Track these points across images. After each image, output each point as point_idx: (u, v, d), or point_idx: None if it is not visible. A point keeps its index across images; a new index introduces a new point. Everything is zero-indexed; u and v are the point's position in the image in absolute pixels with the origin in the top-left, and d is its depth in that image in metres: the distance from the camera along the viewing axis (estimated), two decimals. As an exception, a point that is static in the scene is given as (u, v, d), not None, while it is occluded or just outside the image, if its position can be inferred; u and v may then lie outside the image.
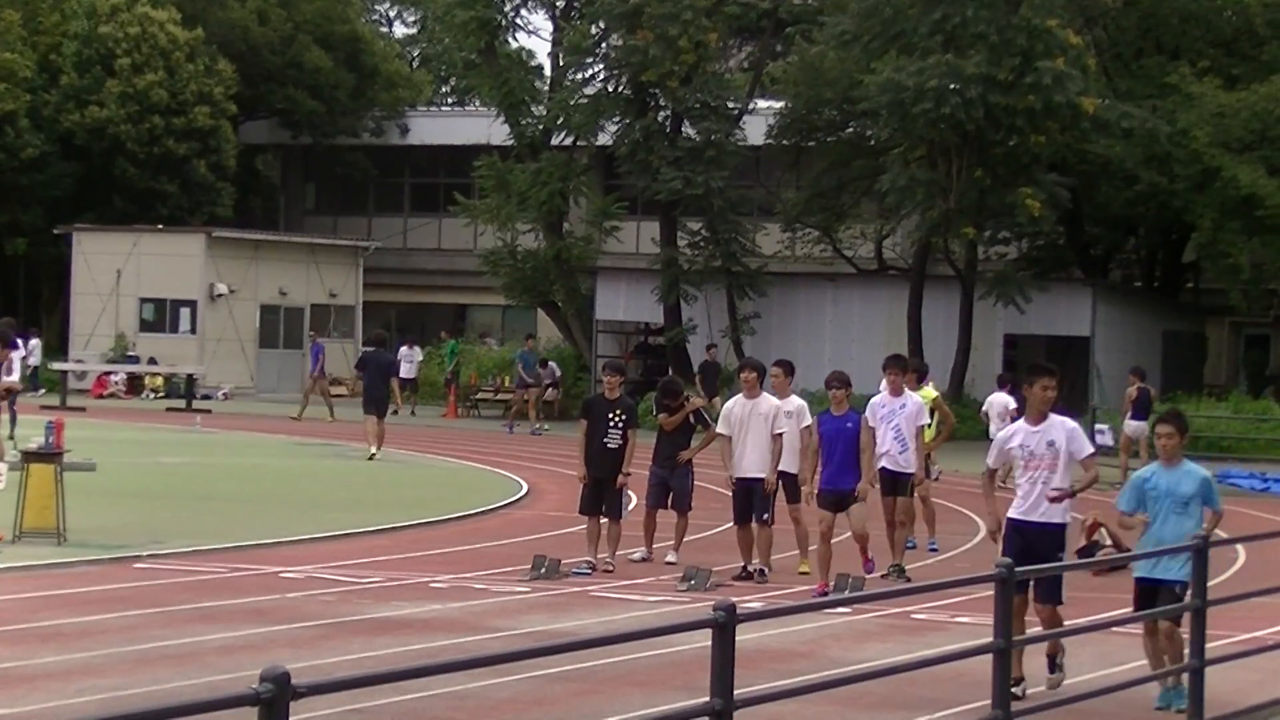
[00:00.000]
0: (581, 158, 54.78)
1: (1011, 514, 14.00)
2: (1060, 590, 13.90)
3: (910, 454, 20.02)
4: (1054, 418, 14.00)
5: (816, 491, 19.40)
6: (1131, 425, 34.80)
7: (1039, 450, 13.84)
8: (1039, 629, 13.58)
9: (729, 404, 20.40)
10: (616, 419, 20.42)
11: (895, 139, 48.43)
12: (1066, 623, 13.90)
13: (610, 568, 20.20)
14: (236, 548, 20.97)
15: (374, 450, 34.62)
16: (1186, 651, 12.70)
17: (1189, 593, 13.07)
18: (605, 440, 20.37)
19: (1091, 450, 14.20)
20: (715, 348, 49.78)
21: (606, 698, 13.16)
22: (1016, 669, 13.21)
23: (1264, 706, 13.17)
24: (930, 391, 23.90)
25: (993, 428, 34.18)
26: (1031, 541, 13.75)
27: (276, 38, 69.12)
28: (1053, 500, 13.81)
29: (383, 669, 9.11)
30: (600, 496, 20.43)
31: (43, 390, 53.61)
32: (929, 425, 22.09)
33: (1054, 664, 14.01)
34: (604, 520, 20.43)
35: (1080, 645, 14.92)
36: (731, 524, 20.53)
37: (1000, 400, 33.40)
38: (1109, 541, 22.38)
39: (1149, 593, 13.55)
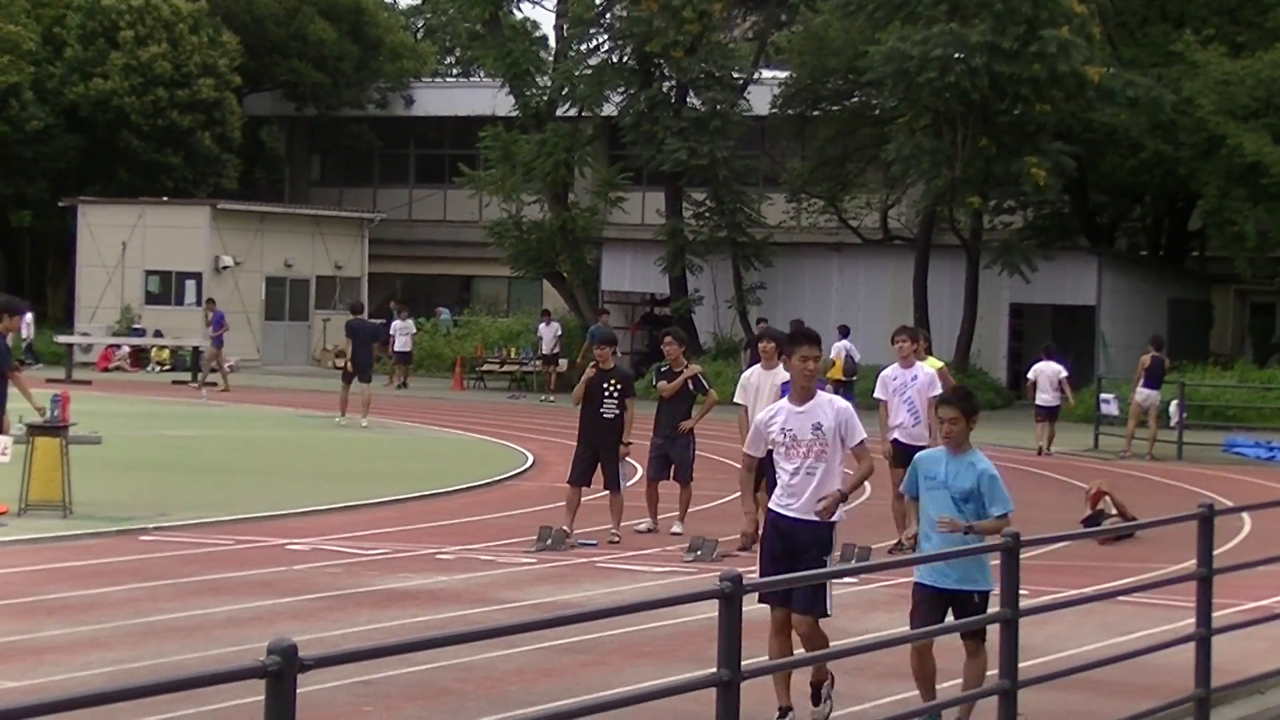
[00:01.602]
0: (586, 128, 54.71)
1: (772, 506, 11.79)
2: (825, 600, 11.48)
3: (923, 427, 19.87)
4: (822, 396, 11.79)
5: None
6: (1142, 393, 34.68)
7: (803, 435, 11.56)
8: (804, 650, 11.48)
9: (746, 373, 20.30)
10: (611, 389, 20.37)
11: (900, 108, 48.33)
12: (1072, 592, 13.72)
13: (616, 539, 20.20)
14: (243, 520, 21.00)
15: (358, 418, 34.67)
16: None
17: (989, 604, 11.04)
18: (601, 410, 20.30)
19: (863, 437, 11.75)
20: (765, 321, 49.63)
21: (614, 669, 13.17)
22: (783, 697, 11.39)
23: (1270, 675, 13.15)
24: (935, 360, 23.85)
25: (1042, 397, 33.78)
26: (791, 541, 11.56)
27: (280, 9, 69.07)
28: (820, 512, 11.48)
29: (389, 641, 9.11)
30: (592, 468, 20.40)
31: (38, 364, 53.62)
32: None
33: (819, 694, 11.66)
34: (605, 492, 20.46)
35: (1085, 615, 14.90)
36: (735, 495, 20.54)
37: (1051, 368, 32.99)
38: (1114, 510, 22.39)
39: (934, 603, 11.23)
